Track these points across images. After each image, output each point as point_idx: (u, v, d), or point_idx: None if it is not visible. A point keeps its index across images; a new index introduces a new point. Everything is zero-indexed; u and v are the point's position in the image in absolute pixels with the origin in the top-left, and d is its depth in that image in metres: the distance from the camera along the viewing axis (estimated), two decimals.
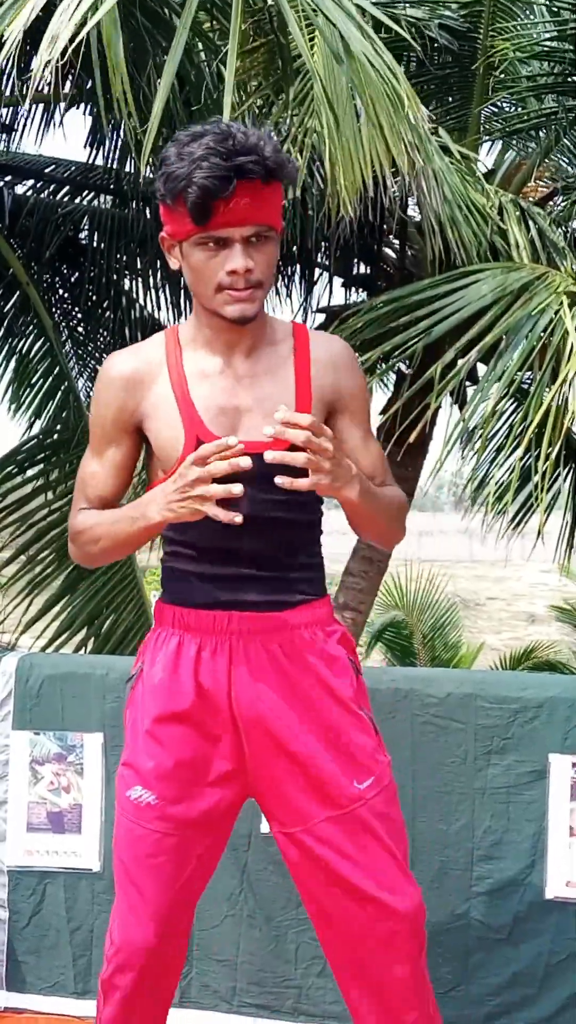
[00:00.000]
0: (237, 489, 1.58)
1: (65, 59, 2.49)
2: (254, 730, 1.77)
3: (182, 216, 1.67)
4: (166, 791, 1.78)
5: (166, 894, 1.79)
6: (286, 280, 6.08)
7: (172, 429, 1.75)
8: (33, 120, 5.64)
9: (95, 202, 6.27)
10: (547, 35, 5.17)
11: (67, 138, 5.52)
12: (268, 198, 1.67)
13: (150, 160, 2.98)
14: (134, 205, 5.81)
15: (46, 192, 6.17)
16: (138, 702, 1.83)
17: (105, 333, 6.25)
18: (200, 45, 4.10)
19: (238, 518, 1.60)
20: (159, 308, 6.14)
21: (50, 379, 5.64)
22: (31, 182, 6.18)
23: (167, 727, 1.78)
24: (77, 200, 6.22)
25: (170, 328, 1.85)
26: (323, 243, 5.56)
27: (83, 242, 6.10)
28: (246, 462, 1.57)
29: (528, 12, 5.28)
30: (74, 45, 2.50)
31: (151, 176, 5.08)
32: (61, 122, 5.43)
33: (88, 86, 2.58)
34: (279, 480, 1.58)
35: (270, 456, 1.57)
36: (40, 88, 2.56)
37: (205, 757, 1.78)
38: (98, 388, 1.83)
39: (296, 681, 1.77)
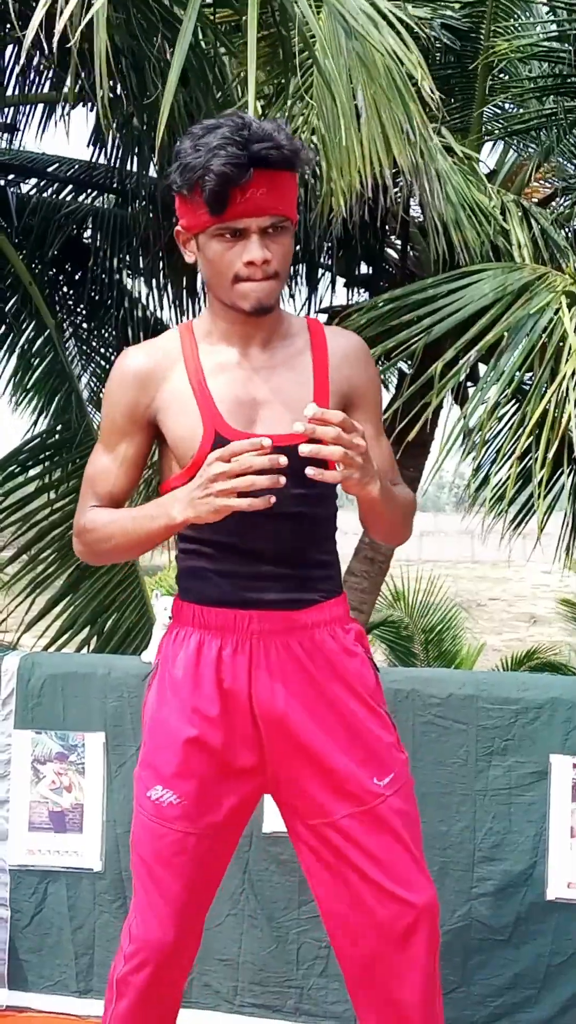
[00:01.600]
0: (262, 481, 1.53)
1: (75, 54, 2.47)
2: (274, 729, 1.76)
3: (198, 207, 1.64)
4: (187, 791, 1.77)
5: (186, 892, 1.79)
6: (288, 280, 6.08)
7: (189, 421, 1.73)
8: (34, 118, 5.64)
9: (98, 201, 6.27)
10: (548, 35, 5.17)
11: (70, 137, 5.51)
12: (284, 188, 1.65)
13: (153, 158, 2.97)
14: (136, 204, 5.80)
15: (49, 191, 6.18)
16: (157, 701, 1.81)
17: (109, 329, 6.25)
18: (201, 34, 4.07)
19: (273, 499, 1.55)
20: (162, 308, 6.15)
21: (53, 378, 5.64)
22: (34, 181, 6.18)
23: (188, 727, 1.77)
24: (80, 199, 6.23)
25: (184, 323, 1.83)
26: (326, 243, 5.56)
27: (86, 241, 6.10)
28: (283, 460, 1.53)
29: (529, 13, 5.28)
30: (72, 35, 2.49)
31: (154, 175, 5.08)
32: (63, 116, 5.41)
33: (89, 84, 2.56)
34: (310, 472, 1.52)
35: (305, 450, 1.51)
36: (43, 88, 2.57)
37: (225, 756, 1.78)
38: (111, 383, 1.80)
39: (316, 679, 1.76)
